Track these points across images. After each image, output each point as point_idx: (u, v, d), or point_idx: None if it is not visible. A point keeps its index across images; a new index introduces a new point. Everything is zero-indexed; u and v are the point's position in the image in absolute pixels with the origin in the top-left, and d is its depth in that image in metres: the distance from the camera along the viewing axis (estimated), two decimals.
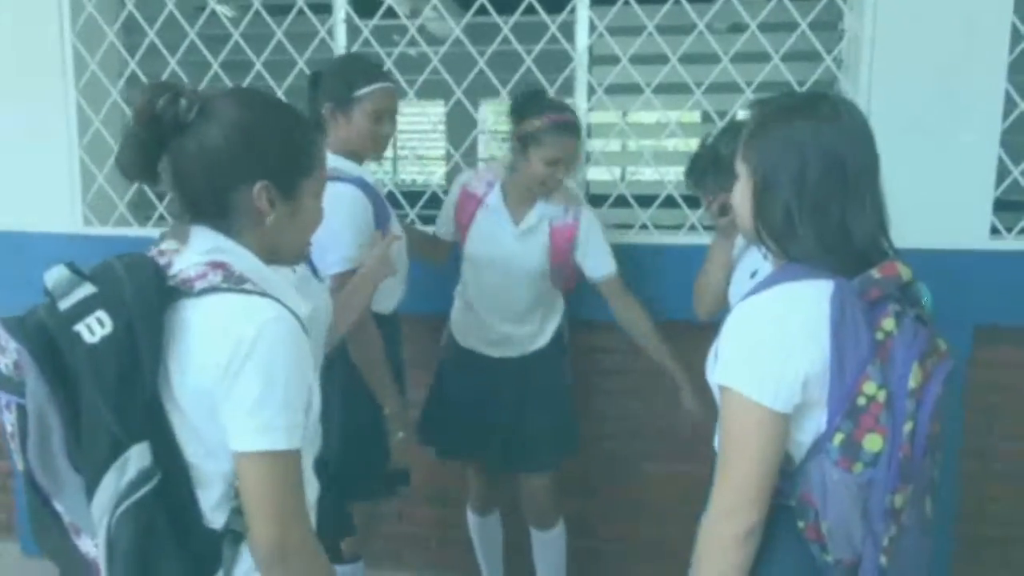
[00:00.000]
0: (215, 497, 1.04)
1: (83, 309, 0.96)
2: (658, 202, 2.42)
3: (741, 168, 1.16)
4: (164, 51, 2.56)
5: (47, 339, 0.97)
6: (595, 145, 2.57)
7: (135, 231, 2.67)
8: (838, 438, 1.04)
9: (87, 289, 0.98)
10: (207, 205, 1.06)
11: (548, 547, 2.32)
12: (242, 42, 2.51)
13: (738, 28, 2.34)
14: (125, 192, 2.71)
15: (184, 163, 1.04)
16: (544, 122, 1.97)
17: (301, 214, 1.11)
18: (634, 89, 2.43)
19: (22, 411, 0.99)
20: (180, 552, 1.00)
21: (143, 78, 2.60)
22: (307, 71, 2.51)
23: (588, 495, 2.58)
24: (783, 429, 1.06)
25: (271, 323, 1.00)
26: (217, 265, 1.04)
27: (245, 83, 2.54)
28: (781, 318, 1.06)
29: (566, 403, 2.29)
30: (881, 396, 1.03)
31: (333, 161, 1.83)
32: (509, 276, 2.12)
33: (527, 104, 2.03)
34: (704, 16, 2.31)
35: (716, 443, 1.23)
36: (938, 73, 2.16)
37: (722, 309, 1.87)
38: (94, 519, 0.99)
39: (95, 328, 0.95)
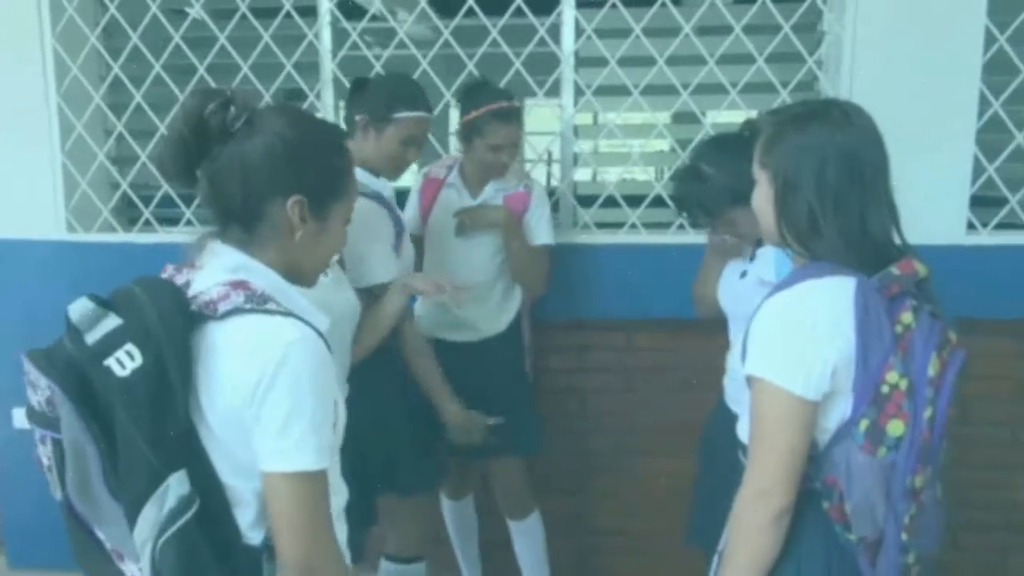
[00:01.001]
0: (251, 515, 1.06)
1: (112, 343, 0.97)
2: (646, 202, 2.46)
3: (760, 174, 1.22)
4: (148, 54, 2.53)
5: (78, 374, 0.97)
6: (582, 146, 2.60)
7: (120, 237, 2.64)
8: (863, 424, 1.11)
9: (113, 321, 0.98)
10: (239, 213, 1.07)
11: (526, 537, 2.36)
12: (228, 45, 2.50)
13: (722, 31, 2.38)
14: (109, 198, 2.68)
15: (223, 169, 1.05)
16: (482, 112, 2.06)
17: (327, 235, 1.13)
18: (621, 91, 2.47)
19: (57, 445, 1.00)
20: (222, 569, 1.02)
21: (126, 82, 2.57)
22: (294, 74, 2.52)
23: (577, 491, 2.62)
24: (813, 416, 1.13)
25: (296, 344, 1.01)
26: (238, 284, 1.04)
27: (232, 86, 2.52)
28: (810, 312, 1.13)
29: (526, 390, 2.34)
30: (903, 384, 1.11)
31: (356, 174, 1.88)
32: (469, 250, 2.18)
33: (469, 95, 2.12)
34: (689, 19, 2.35)
35: (739, 431, 1.32)
36: (916, 74, 2.23)
37: (714, 312, 1.92)
38: (136, 546, 1.00)
39: (125, 362, 0.96)
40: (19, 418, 2.66)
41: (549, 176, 3.95)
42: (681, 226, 2.45)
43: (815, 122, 1.17)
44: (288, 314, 1.04)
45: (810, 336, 1.12)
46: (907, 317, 1.14)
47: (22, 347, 1.05)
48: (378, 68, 2.47)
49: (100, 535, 1.06)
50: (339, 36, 2.55)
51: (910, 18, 2.23)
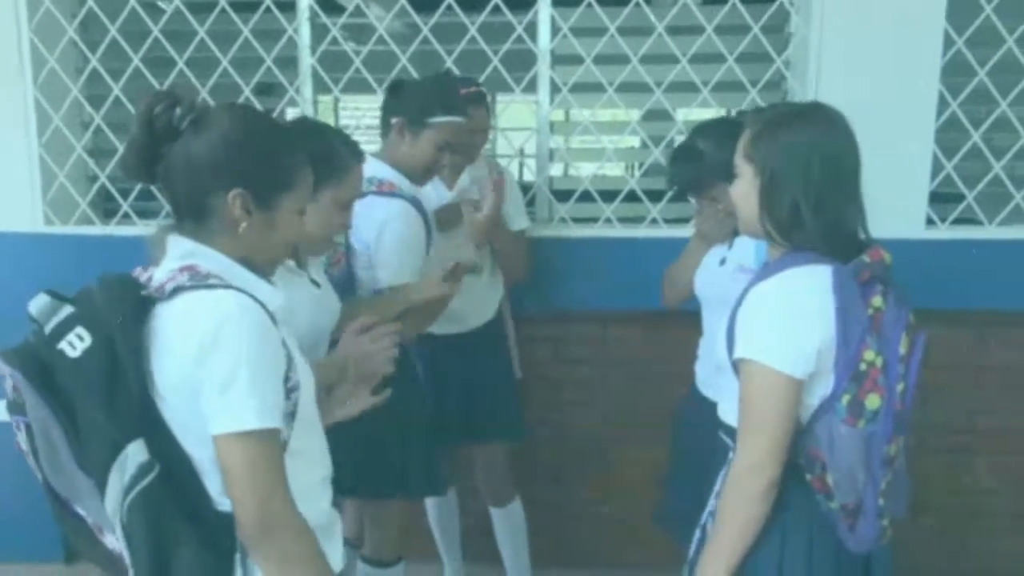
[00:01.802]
0: (219, 482, 1.10)
1: (64, 328, 1.05)
2: (620, 197, 2.52)
3: (744, 167, 1.30)
4: (126, 47, 2.54)
5: (37, 360, 1.05)
6: (558, 142, 2.66)
7: (98, 230, 2.64)
8: (845, 399, 1.21)
9: (66, 310, 1.07)
10: (188, 208, 1.14)
11: (507, 524, 2.40)
12: (208, 39, 2.51)
13: (693, 31, 2.45)
14: (87, 190, 2.68)
15: (172, 167, 1.11)
16: None
17: (278, 226, 1.18)
18: (596, 88, 2.53)
19: (28, 429, 1.08)
20: (196, 536, 1.07)
21: (104, 75, 2.57)
22: (273, 68, 2.54)
23: (558, 479, 2.68)
24: (799, 394, 1.23)
25: (232, 311, 1.07)
26: (186, 268, 1.11)
27: (211, 81, 2.54)
28: (796, 297, 1.23)
29: (509, 378, 2.38)
30: (879, 362, 1.21)
31: (393, 176, 1.90)
32: (452, 243, 2.19)
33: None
34: (662, 19, 2.42)
35: (722, 414, 1.41)
36: (878, 75, 2.32)
37: (687, 299, 1.97)
38: (109, 515, 1.06)
39: (76, 344, 1.04)
40: None
41: (522, 170, 4.00)
42: (654, 220, 2.52)
43: (803, 123, 1.26)
44: (228, 287, 1.10)
45: (797, 319, 1.21)
46: (877, 300, 1.24)
47: None
48: (357, 63, 2.50)
49: (81, 512, 1.12)
50: (318, 31, 2.58)
51: (873, 21, 2.31)
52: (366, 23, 2.57)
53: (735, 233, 1.81)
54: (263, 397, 1.07)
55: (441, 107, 1.90)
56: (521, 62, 2.52)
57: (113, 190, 2.64)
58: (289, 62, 2.58)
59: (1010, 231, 2.44)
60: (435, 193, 2.21)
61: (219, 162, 1.11)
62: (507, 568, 2.45)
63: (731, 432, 1.36)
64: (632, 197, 2.53)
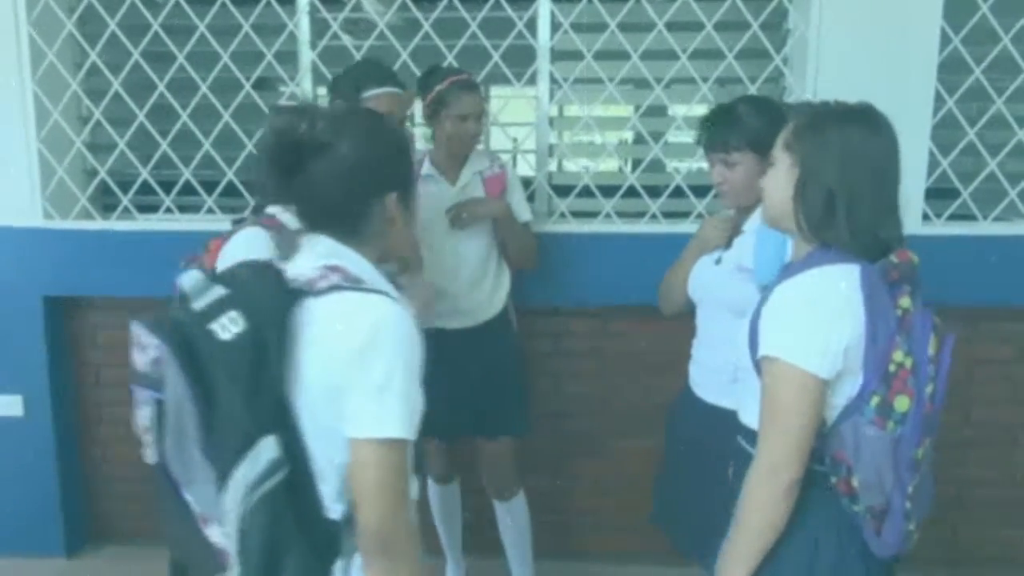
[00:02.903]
0: (335, 489, 1.09)
1: (217, 309, 1.03)
2: (620, 192, 2.54)
3: (783, 156, 1.28)
4: (126, 41, 2.53)
5: (184, 336, 1.02)
6: (557, 137, 2.67)
7: (98, 224, 2.64)
8: (874, 400, 1.19)
9: (219, 291, 1.05)
10: (342, 215, 1.13)
11: (511, 518, 2.42)
12: (207, 33, 2.51)
13: (692, 27, 2.46)
14: (86, 185, 2.68)
15: (326, 177, 1.10)
16: (445, 84, 2.13)
17: (412, 221, 1.22)
18: (596, 83, 2.54)
19: (160, 406, 1.04)
20: (305, 541, 1.05)
21: (104, 69, 2.56)
22: (273, 63, 2.54)
23: (556, 472, 2.71)
24: (823, 393, 1.20)
25: (391, 318, 1.07)
26: (334, 268, 1.10)
27: (210, 75, 2.54)
28: (823, 296, 1.20)
29: (517, 372, 2.39)
30: (908, 363, 1.19)
31: None
32: (457, 236, 2.22)
33: (428, 77, 2.19)
34: (662, 15, 2.43)
35: (745, 419, 1.36)
36: (875, 73, 2.34)
37: (684, 306, 1.96)
38: (225, 509, 1.04)
39: (229, 327, 1.02)
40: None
41: (516, 164, 4.01)
42: (654, 216, 2.54)
43: (854, 123, 1.24)
44: (382, 292, 1.10)
45: (825, 318, 1.19)
46: (905, 301, 1.22)
47: None
48: (358, 58, 2.50)
49: (188, 498, 1.09)
50: (318, 26, 2.58)
51: (871, 19, 2.33)
52: (366, 18, 2.57)
53: (732, 235, 1.83)
54: (411, 407, 1.07)
55: (372, 80, 1.93)
56: (521, 57, 2.53)
57: (113, 184, 2.64)
58: (289, 56, 2.58)
59: (1005, 227, 2.48)
60: (437, 189, 2.22)
61: (376, 168, 1.13)
62: (509, 560, 2.47)
63: (752, 437, 1.32)
64: (632, 192, 2.55)
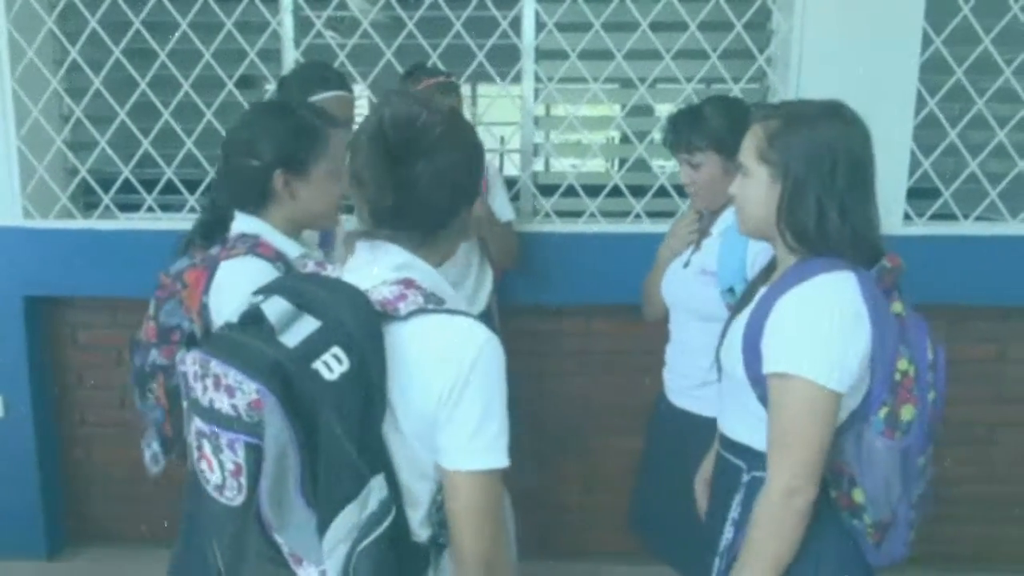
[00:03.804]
0: (422, 514, 1.06)
1: (317, 345, 0.94)
2: (605, 192, 2.55)
3: (758, 169, 1.22)
4: (107, 39, 2.51)
5: (283, 377, 0.93)
6: (541, 137, 2.67)
7: (79, 223, 2.61)
8: (883, 411, 1.15)
9: (311, 323, 0.96)
10: (432, 220, 1.07)
11: None
12: (189, 31, 2.49)
13: (676, 27, 2.47)
14: (67, 183, 2.65)
15: (435, 178, 1.03)
16: (422, 86, 2.12)
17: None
18: (580, 82, 2.54)
19: (251, 449, 0.96)
20: (399, 568, 1.01)
21: (84, 67, 2.54)
22: (256, 61, 2.52)
23: (542, 470, 2.71)
24: (838, 408, 1.15)
25: (487, 346, 1.02)
26: (409, 284, 1.04)
27: (193, 73, 2.52)
28: (833, 305, 1.14)
29: None
30: (911, 371, 1.16)
31: None
32: None
33: (407, 78, 2.19)
34: (646, 15, 2.43)
35: (727, 430, 1.32)
36: (857, 73, 2.35)
37: (664, 310, 1.93)
38: (325, 548, 0.97)
39: (333, 366, 0.93)
40: None
41: (502, 164, 4.00)
42: (638, 215, 2.54)
43: (825, 120, 1.18)
44: (468, 315, 1.04)
45: (837, 329, 1.13)
46: (898, 306, 1.19)
47: None
48: (341, 57, 2.49)
49: (279, 540, 1.01)
50: (301, 24, 2.56)
51: (853, 19, 2.35)
52: (350, 16, 2.56)
53: (702, 237, 1.82)
54: (506, 435, 1.04)
55: (319, 84, 1.90)
56: (506, 57, 2.53)
57: (94, 183, 2.62)
58: (272, 55, 2.57)
59: (985, 227, 2.50)
60: None
61: (473, 177, 1.09)
62: None
63: (741, 450, 1.28)
64: (616, 192, 2.55)
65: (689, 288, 1.79)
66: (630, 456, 2.55)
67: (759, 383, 1.20)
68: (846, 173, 1.17)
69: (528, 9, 2.50)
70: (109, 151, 2.58)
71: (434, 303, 1.03)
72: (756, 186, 1.23)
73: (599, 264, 2.52)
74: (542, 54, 2.58)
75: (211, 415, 0.97)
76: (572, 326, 2.65)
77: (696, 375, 1.73)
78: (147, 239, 2.54)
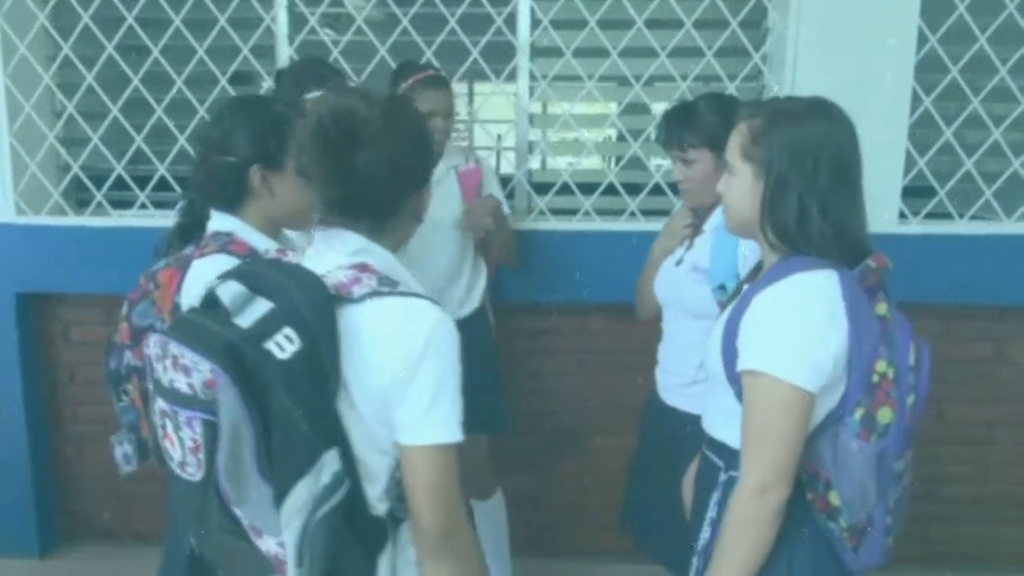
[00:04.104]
0: (380, 489, 1.10)
1: (269, 326, 0.99)
2: (600, 190, 2.54)
3: (743, 167, 1.21)
4: (99, 34, 2.49)
5: (237, 357, 0.97)
6: (537, 135, 2.66)
7: (71, 220, 2.60)
8: (859, 413, 1.13)
9: (264, 305, 1.00)
10: (379, 207, 1.10)
11: (488, 516, 2.41)
12: (183, 27, 2.48)
13: (672, 24, 2.46)
14: (59, 180, 2.64)
15: (377, 166, 1.06)
16: (411, 82, 2.11)
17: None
18: (575, 80, 2.53)
19: (208, 426, 1.00)
20: (357, 541, 1.06)
21: (77, 63, 2.52)
22: (250, 57, 2.51)
23: (537, 469, 2.71)
24: (811, 408, 1.13)
25: (439, 324, 1.06)
26: (363, 268, 1.08)
27: (186, 69, 2.50)
28: (808, 304, 1.13)
29: (494, 369, 2.38)
30: (890, 373, 1.14)
31: None
32: (432, 231, 2.18)
33: (396, 74, 2.18)
34: (641, 12, 2.42)
35: (708, 428, 1.31)
36: (853, 71, 2.35)
37: (656, 308, 1.92)
38: (282, 520, 1.01)
39: (285, 345, 0.98)
40: None
41: (499, 162, 3.99)
42: (633, 213, 2.54)
43: (809, 117, 1.17)
44: (422, 296, 1.08)
45: (810, 328, 1.12)
46: (882, 308, 1.17)
47: None
48: (335, 53, 2.48)
49: (238, 513, 1.05)
50: (296, 20, 2.55)
51: (849, 18, 2.34)
52: (347, 13, 2.55)
53: (694, 235, 1.81)
54: (460, 410, 1.08)
55: (313, 81, 1.90)
56: (502, 54, 2.52)
57: (86, 180, 2.60)
58: (266, 51, 2.56)
59: (980, 226, 2.49)
60: None
61: (420, 161, 1.13)
62: (488, 559, 2.46)
63: (719, 448, 1.27)
64: (611, 190, 2.54)
65: (681, 285, 1.78)
66: (625, 455, 2.54)
67: (736, 380, 1.19)
68: (829, 171, 1.15)
69: (523, 6, 2.49)
70: (102, 147, 2.56)
71: (388, 286, 1.06)
72: (740, 184, 1.22)
73: (594, 262, 2.51)
74: (537, 51, 2.57)
75: (171, 394, 1.02)
76: (567, 324, 2.64)
77: (687, 373, 1.72)
78: (140, 236, 2.52)
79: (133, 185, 2.58)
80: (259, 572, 1.09)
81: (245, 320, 0.99)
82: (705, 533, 1.27)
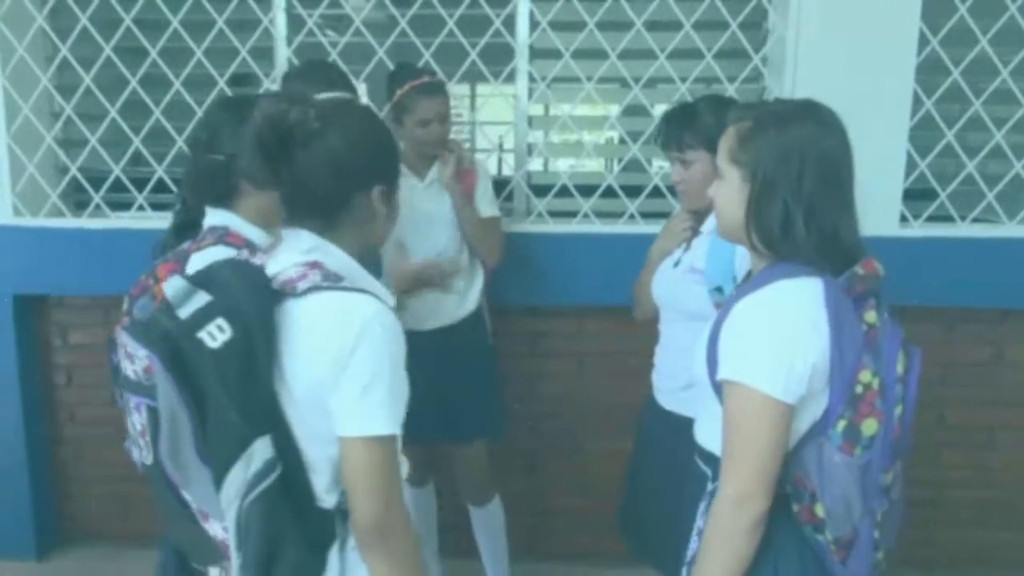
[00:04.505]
0: (326, 480, 1.12)
1: (204, 317, 1.04)
2: (598, 192, 2.53)
3: (730, 171, 1.19)
4: (97, 36, 2.49)
5: (173, 346, 1.03)
6: (535, 136, 2.65)
7: (69, 222, 2.60)
8: (841, 424, 1.10)
9: (204, 298, 1.06)
10: (324, 205, 1.14)
11: (486, 522, 2.40)
12: (181, 29, 2.47)
13: (671, 26, 2.45)
14: (57, 182, 2.64)
15: (314, 167, 1.11)
16: (406, 89, 2.10)
17: (393, 216, 1.22)
18: (575, 82, 2.52)
19: (152, 412, 1.07)
20: (300, 531, 1.09)
21: (75, 64, 2.52)
22: (248, 59, 2.50)
23: (534, 472, 2.69)
24: (790, 419, 1.11)
25: (374, 317, 1.08)
26: (314, 265, 1.11)
27: (184, 71, 2.50)
28: (786, 313, 1.11)
29: (491, 373, 2.36)
30: (875, 384, 1.11)
31: None
32: (427, 232, 2.19)
33: (392, 78, 2.17)
34: (641, 14, 2.41)
35: (698, 436, 1.29)
36: (853, 73, 2.33)
37: (654, 310, 1.91)
38: (222, 506, 1.07)
39: (216, 334, 1.03)
40: None
41: (500, 164, 3.97)
42: (632, 216, 2.52)
43: (797, 121, 1.14)
44: (363, 291, 1.11)
45: (790, 337, 1.10)
46: (871, 316, 1.13)
47: None
48: (333, 55, 2.47)
49: (187, 497, 1.12)
50: (294, 21, 2.54)
51: (849, 19, 2.32)
52: (344, 14, 2.54)
53: (693, 236, 1.80)
54: (396, 403, 1.09)
55: (321, 83, 1.87)
56: (501, 56, 2.51)
57: (84, 181, 2.60)
58: (265, 53, 2.55)
59: (982, 229, 2.48)
60: (406, 185, 2.19)
61: (363, 161, 1.14)
62: (485, 564, 2.45)
63: (708, 457, 1.25)
64: (610, 192, 2.53)
65: (678, 287, 1.77)
66: (623, 459, 2.52)
67: (720, 389, 1.17)
68: (816, 176, 1.12)
69: (522, 7, 2.48)
70: (100, 149, 2.56)
71: (331, 281, 1.09)
72: (729, 189, 1.20)
73: (593, 265, 2.50)
74: (536, 53, 2.56)
75: (124, 381, 1.10)
76: (566, 327, 2.63)
77: (682, 376, 1.71)
78: (138, 238, 2.51)
79: (131, 187, 2.58)
80: (214, 557, 1.14)
81: (185, 312, 1.05)
82: (693, 543, 1.25)
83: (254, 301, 1.06)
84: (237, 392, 1.03)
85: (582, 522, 2.71)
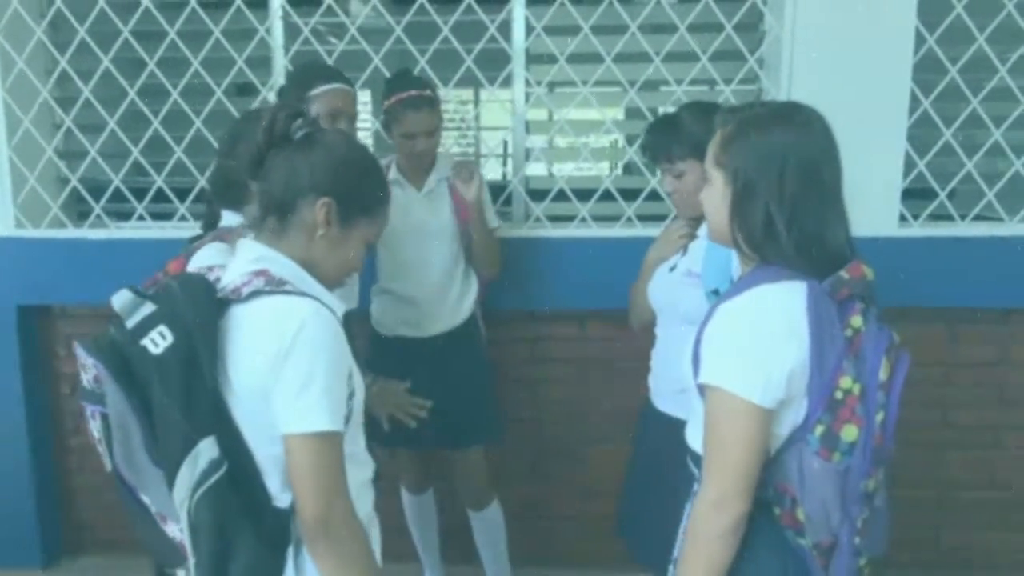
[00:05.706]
0: (279, 480, 1.16)
1: (147, 325, 1.10)
2: (596, 196, 2.52)
3: (715, 173, 1.19)
4: (96, 48, 2.51)
5: (119, 354, 1.10)
6: (534, 141, 2.65)
7: (70, 233, 2.62)
8: (819, 430, 1.10)
9: (148, 308, 1.11)
10: (276, 205, 1.19)
11: (485, 527, 2.40)
12: (178, 39, 2.49)
13: (667, 29, 2.45)
14: (58, 193, 2.66)
15: (275, 166, 1.19)
16: (392, 101, 2.11)
17: (346, 246, 1.23)
18: (571, 86, 2.52)
19: (106, 419, 1.12)
20: (255, 530, 1.13)
21: (74, 76, 2.54)
22: (245, 69, 2.52)
23: (537, 478, 2.69)
24: (768, 424, 1.11)
25: (310, 317, 1.12)
26: (259, 273, 1.16)
27: (182, 81, 2.51)
28: (764, 318, 1.11)
29: (487, 380, 2.37)
30: (856, 389, 1.10)
31: None
32: (423, 241, 2.20)
33: (386, 86, 2.18)
34: (636, 17, 2.41)
35: (689, 439, 1.29)
36: (850, 73, 2.32)
37: (651, 317, 1.90)
38: (176, 506, 1.12)
39: (158, 341, 1.09)
40: None
41: (505, 168, 3.98)
42: (630, 219, 2.52)
43: (779, 124, 1.14)
44: (303, 294, 1.15)
45: (767, 342, 1.10)
46: (857, 321, 1.13)
47: None
48: (330, 63, 2.48)
49: (146, 500, 1.17)
50: (291, 30, 2.56)
51: (845, 19, 2.31)
52: (340, 22, 2.55)
53: (689, 241, 1.79)
54: (334, 401, 1.13)
55: (317, 78, 1.92)
56: (498, 61, 2.52)
57: (85, 192, 2.62)
58: (262, 62, 2.56)
59: (982, 228, 2.46)
60: (403, 195, 2.20)
61: (318, 169, 1.18)
62: (486, 569, 2.45)
63: (697, 459, 1.24)
64: (608, 196, 2.53)
65: (675, 291, 1.76)
66: (622, 464, 2.52)
67: (703, 392, 1.17)
68: (797, 178, 1.12)
69: (517, 12, 2.49)
70: (100, 160, 2.58)
71: (273, 286, 1.14)
72: (714, 192, 1.20)
73: (591, 269, 2.50)
74: (532, 58, 2.56)
75: (81, 391, 1.14)
76: (565, 332, 2.63)
77: (678, 379, 1.70)
78: (138, 248, 2.53)
79: (131, 197, 2.60)
80: (176, 559, 1.18)
81: (132, 322, 1.10)
82: (679, 544, 1.26)
83: (196, 308, 1.11)
84: (180, 395, 1.08)
85: (583, 527, 2.70)
